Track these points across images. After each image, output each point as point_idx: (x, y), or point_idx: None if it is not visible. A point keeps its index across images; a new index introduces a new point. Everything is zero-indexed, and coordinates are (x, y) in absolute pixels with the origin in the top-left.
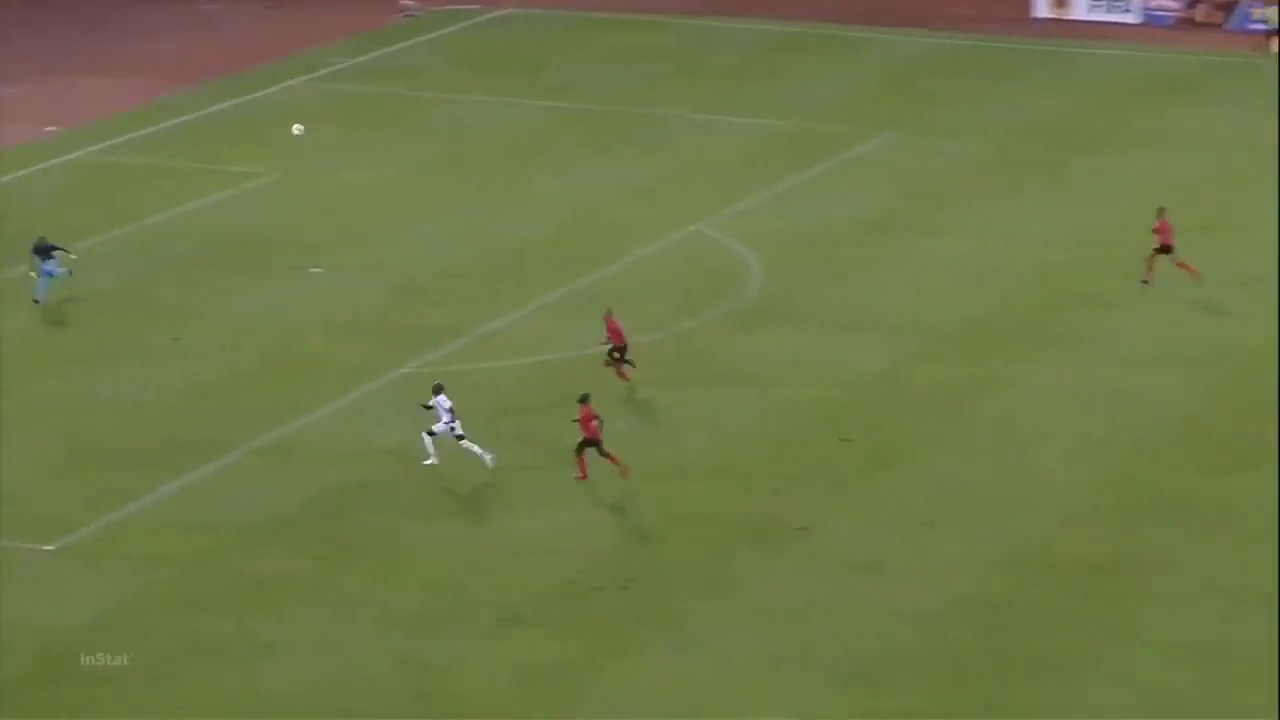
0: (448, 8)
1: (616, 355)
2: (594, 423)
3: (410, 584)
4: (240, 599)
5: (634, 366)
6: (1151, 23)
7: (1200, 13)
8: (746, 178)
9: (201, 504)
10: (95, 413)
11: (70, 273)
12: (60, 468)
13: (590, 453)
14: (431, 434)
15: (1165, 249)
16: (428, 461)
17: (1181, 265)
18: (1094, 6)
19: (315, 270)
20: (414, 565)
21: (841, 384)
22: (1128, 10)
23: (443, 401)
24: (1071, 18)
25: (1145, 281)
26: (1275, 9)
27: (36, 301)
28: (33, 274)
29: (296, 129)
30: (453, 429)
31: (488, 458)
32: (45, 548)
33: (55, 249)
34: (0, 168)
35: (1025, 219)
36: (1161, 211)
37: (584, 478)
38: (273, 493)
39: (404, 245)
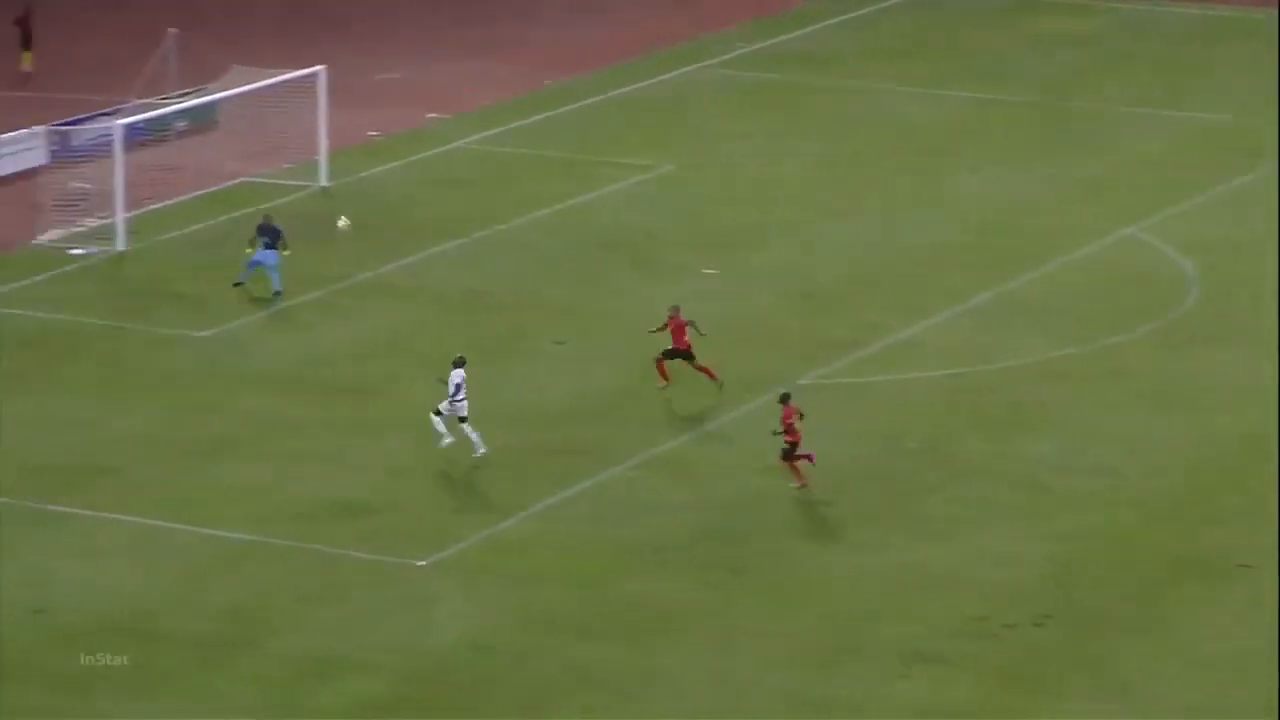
0: None
1: (670, 355)
2: (795, 424)
3: (805, 614)
4: (624, 623)
5: (709, 376)
6: None
7: None
8: (1183, 177)
9: (586, 520)
10: (473, 417)
11: (264, 264)
12: (435, 477)
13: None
14: (439, 414)
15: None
16: (444, 443)
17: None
18: None
19: (709, 271)
20: (810, 594)
21: None
22: None
23: (455, 377)
24: None
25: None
26: None
27: (278, 293)
28: (248, 250)
29: (342, 223)
30: (456, 407)
31: (481, 450)
32: (418, 563)
33: (280, 234)
34: (379, 156)
35: None
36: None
37: (804, 485)
38: (661, 510)
39: (805, 246)
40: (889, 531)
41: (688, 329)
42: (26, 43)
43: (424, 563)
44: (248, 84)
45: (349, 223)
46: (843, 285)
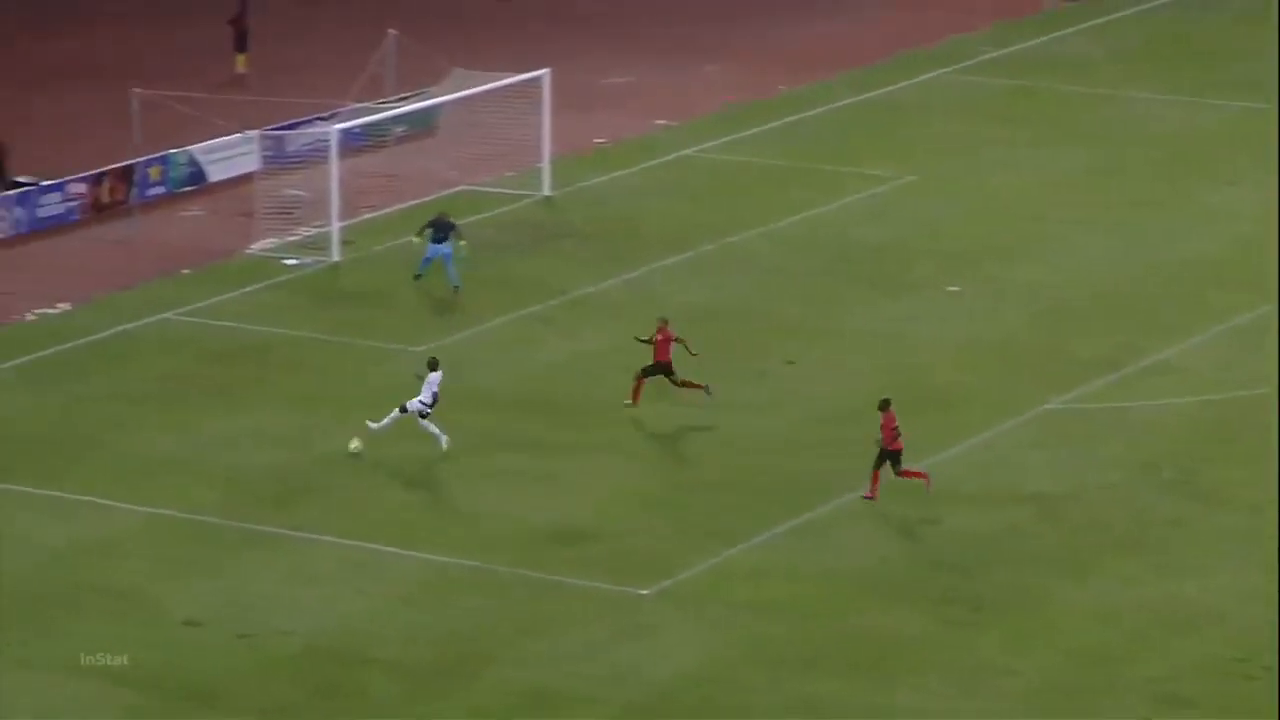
0: None
1: (649, 372)
2: (895, 433)
3: (1049, 653)
4: (856, 659)
5: (692, 386)
6: None
7: None
8: None
9: (817, 549)
10: (698, 442)
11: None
12: (659, 502)
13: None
14: (424, 415)
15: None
16: (444, 444)
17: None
18: None
19: (952, 288)
20: (1054, 631)
21: None
22: None
23: (431, 381)
24: None
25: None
26: None
27: (417, 277)
28: (415, 239)
29: (354, 445)
30: (424, 407)
31: (444, 439)
32: (641, 591)
33: (453, 228)
34: (604, 164)
35: None
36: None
37: (872, 497)
38: (897, 540)
39: (1054, 261)
40: (1140, 565)
41: (673, 345)
42: (241, 44)
43: (647, 591)
44: (469, 88)
45: (360, 445)
46: (1094, 303)
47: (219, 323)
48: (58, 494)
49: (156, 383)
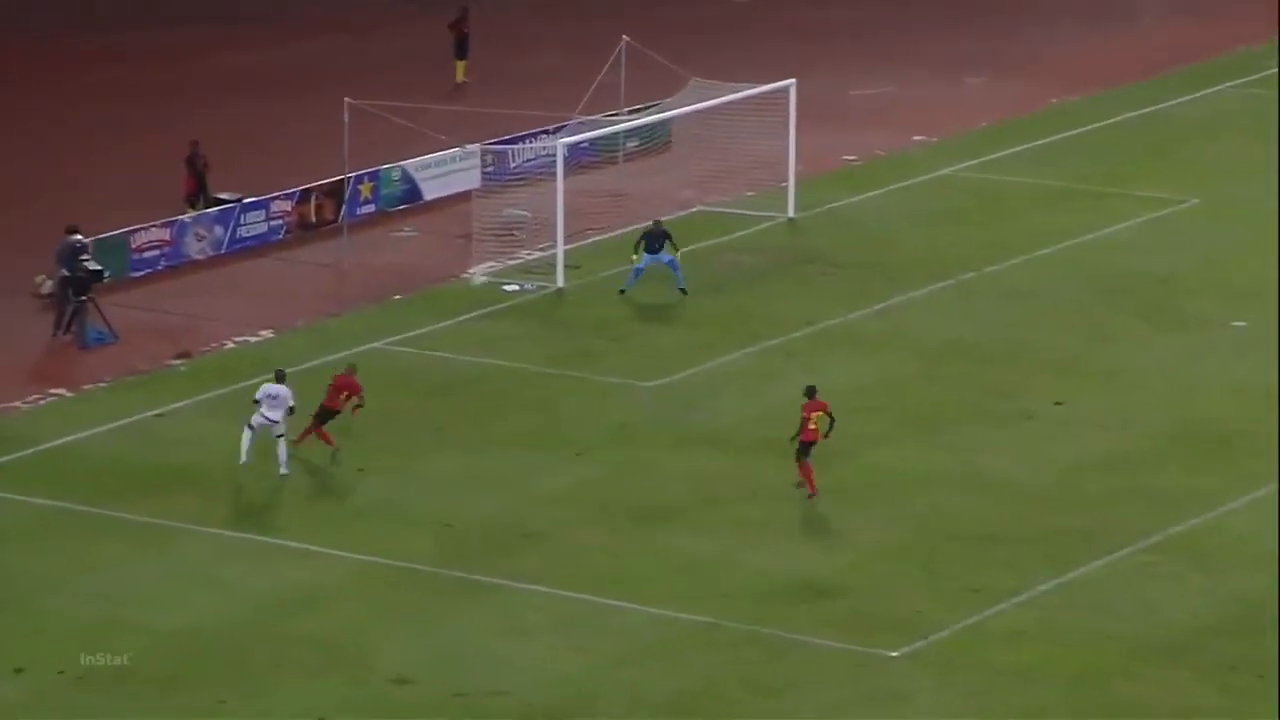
0: None
1: (319, 417)
2: (807, 423)
3: None
4: None
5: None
6: None
7: None
8: None
9: (1086, 609)
10: (955, 490)
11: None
12: (910, 556)
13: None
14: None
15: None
16: (283, 471)
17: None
18: None
19: (1239, 324)
20: None
21: None
22: None
23: (271, 391)
24: None
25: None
26: None
27: (622, 291)
28: (634, 257)
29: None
30: (274, 424)
31: (284, 469)
32: (889, 653)
33: (667, 236)
34: (854, 184)
35: None
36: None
37: (813, 495)
38: (1177, 600)
39: None
40: None
41: (349, 399)
42: (461, 51)
43: (896, 654)
44: (707, 100)
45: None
46: None
47: (433, 353)
48: (260, 538)
49: (365, 419)
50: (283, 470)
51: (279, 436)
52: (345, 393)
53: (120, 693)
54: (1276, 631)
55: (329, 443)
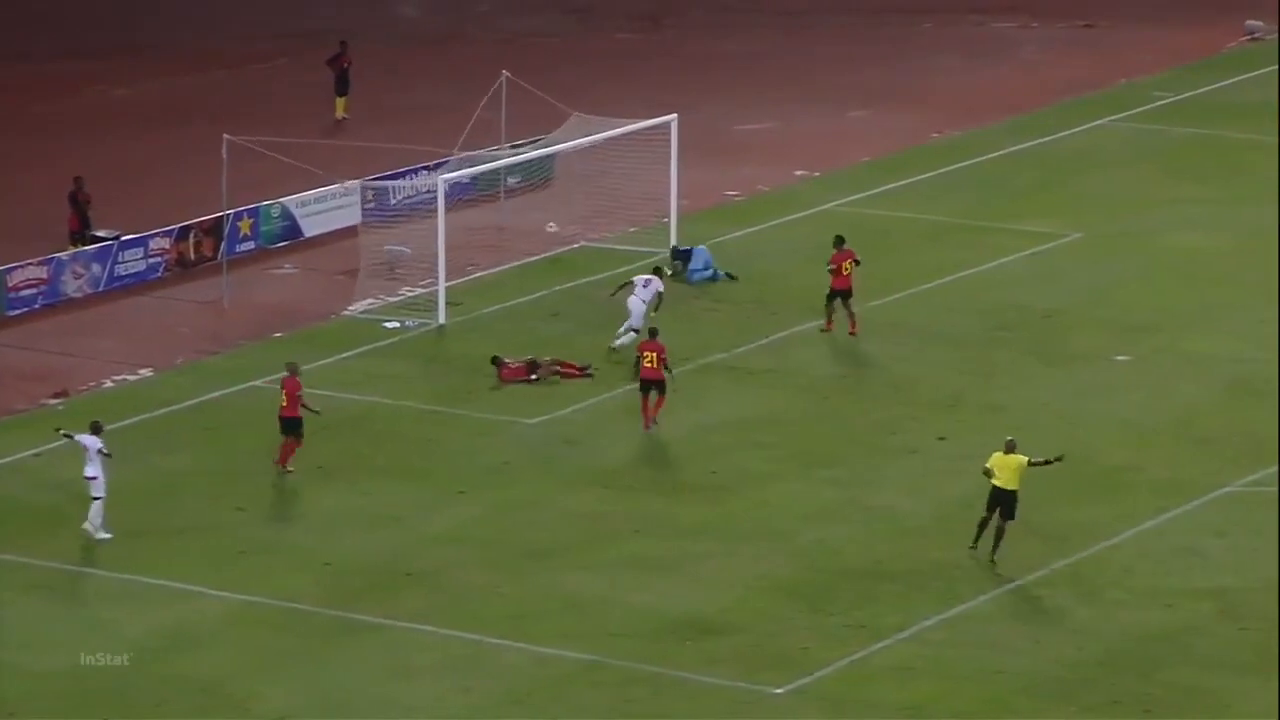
0: None
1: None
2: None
3: None
4: None
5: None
6: None
7: None
8: None
9: (972, 645)
10: (839, 524)
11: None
12: (792, 591)
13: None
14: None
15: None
16: (99, 535)
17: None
18: None
19: (1121, 358)
20: None
21: None
22: None
23: (91, 444)
24: None
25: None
26: None
27: (731, 276)
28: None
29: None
30: (93, 484)
31: (100, 535)
32: (774, 690)
33: (689, 252)
34: (737, 219)
35: None
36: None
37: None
38: (1060, 636)
39: (1237, 332)
40: None
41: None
42: (342, 87)
43: (780, 690)
44: (589, 134)
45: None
46: None
47: (314, 390)
48: (138, 578)
49: (246, 457)
50: (100, 535)
51: (96, 498)
52: (297, 393)
53: None
54: (1277, 630)
55: (282, 462)
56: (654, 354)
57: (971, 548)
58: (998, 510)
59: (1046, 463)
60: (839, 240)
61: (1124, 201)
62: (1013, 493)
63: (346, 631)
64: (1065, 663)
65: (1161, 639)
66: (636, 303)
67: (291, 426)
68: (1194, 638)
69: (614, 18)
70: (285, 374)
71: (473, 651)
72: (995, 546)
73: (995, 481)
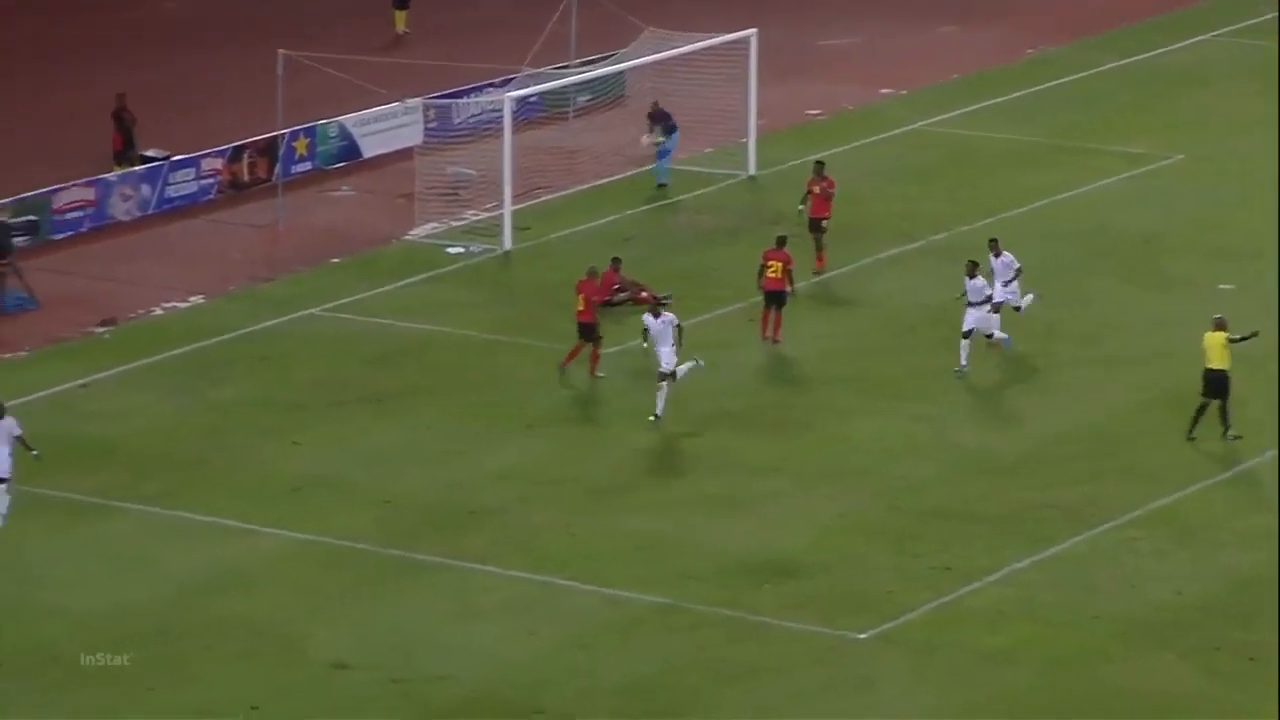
0: None
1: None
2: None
3: None
4: (1110, 715)
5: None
6: None
7: None
8: None
9: (1066, 588)
10: (928, 463)
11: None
12: (877, 531)
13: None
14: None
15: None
16: None
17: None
18: None
19: (1224, 286)
20: None
21: None
22: None
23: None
24: None
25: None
26: None
27: (662, 185)
28: (658, 140)
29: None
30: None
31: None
32: (858, 635)
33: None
34: (819, 140)
35: None
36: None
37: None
38: (1159, 580)
39: None
40: None
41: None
42: (401, 1)
43: (864, 635)
44: (663, 51)
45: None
46: None
47: (373, 319)
48: (189, 515)
49: (301, 389)
50: None
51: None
52: (595, 297)
53: (38, 680)
54: (1276, 614)
55: (582, 358)
56: (779, 264)
57: (1190, 438)
58: (1213, 394)
59: (1244, 338)
60: (818, 166)
61: (1228, 122)
62: (1222, 372)
63: (406, 572)
64: (1163, 607)
65: (1265, 583)
66: (666, 353)
67: (585, 332)
68: None
69: None
70: (585, 277)
71: (538, 593)
72: (1225, 428)
73: (1207, 364)
